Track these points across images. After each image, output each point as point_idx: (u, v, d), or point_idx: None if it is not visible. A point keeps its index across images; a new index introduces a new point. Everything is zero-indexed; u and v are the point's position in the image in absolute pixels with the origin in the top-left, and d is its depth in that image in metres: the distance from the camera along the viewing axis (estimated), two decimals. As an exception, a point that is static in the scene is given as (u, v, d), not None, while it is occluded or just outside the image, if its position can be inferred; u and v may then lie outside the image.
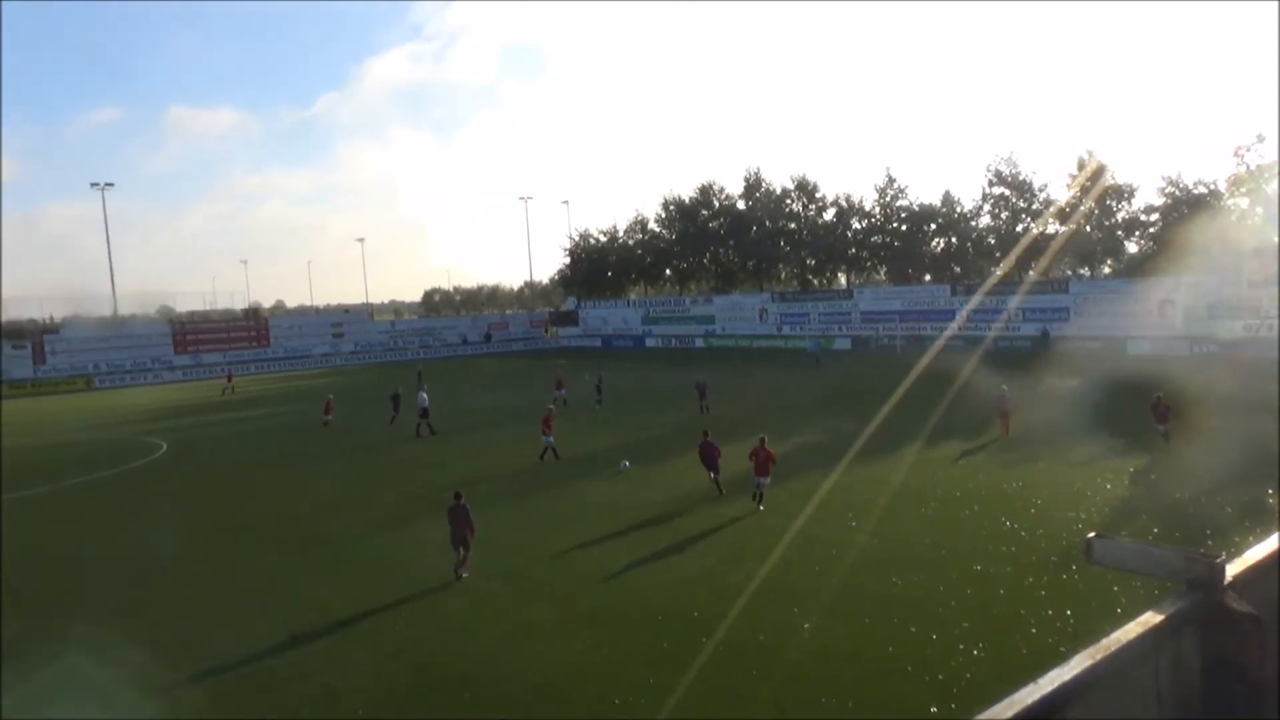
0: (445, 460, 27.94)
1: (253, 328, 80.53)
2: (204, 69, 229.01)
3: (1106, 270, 64.13)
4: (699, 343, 75.73)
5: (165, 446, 33.65)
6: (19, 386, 64.75)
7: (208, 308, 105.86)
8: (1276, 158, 52.05)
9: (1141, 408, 25.46)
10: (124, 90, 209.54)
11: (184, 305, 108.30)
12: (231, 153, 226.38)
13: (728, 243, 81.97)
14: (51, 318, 79.48)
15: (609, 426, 32.20)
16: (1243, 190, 53.65)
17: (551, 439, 26.95)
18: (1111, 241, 60.90)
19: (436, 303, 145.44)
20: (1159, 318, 51.36)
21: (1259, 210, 53.35)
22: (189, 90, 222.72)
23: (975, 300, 60.75)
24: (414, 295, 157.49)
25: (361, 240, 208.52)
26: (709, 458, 21.14)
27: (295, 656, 12.68)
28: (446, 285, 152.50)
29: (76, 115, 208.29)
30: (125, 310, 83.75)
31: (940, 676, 10.81)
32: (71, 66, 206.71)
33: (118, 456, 31.83)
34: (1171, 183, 56.42)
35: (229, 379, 57.86)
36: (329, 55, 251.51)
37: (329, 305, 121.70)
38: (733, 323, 75.83)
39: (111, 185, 77.52)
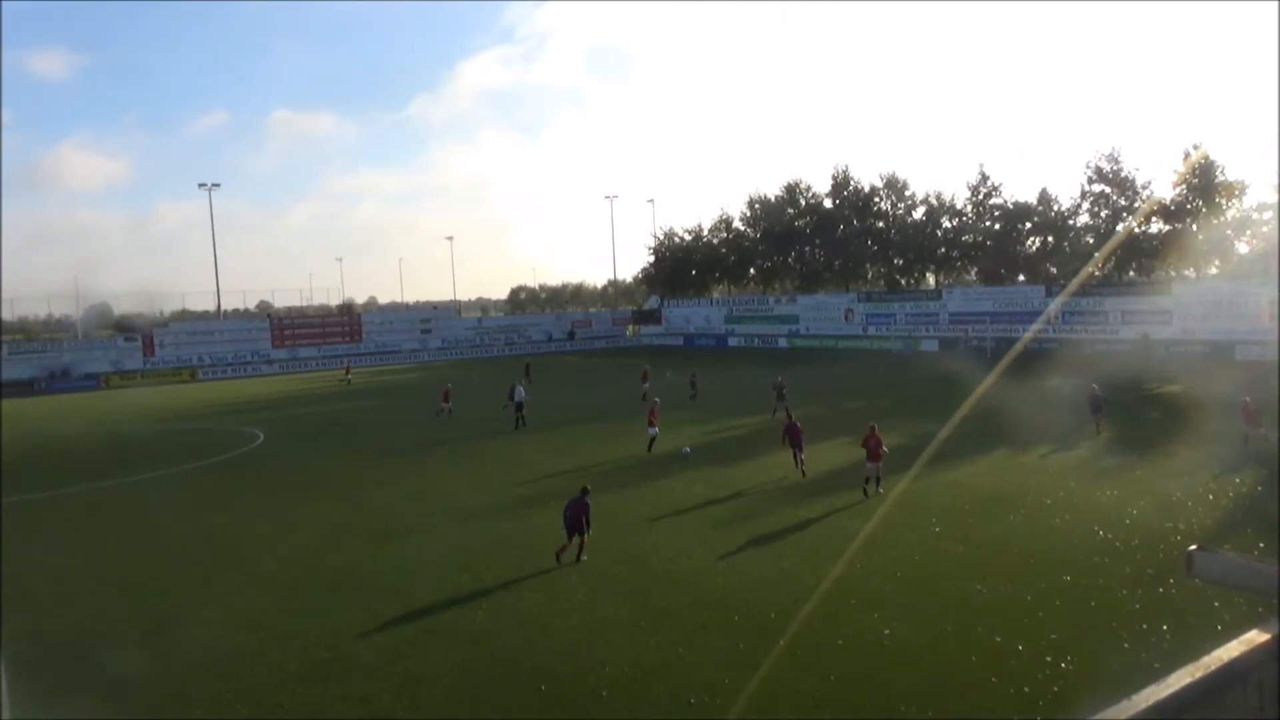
0: (523, 454, 28.30)
1: (346, 323, 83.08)
2: (305, 74, 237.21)
3: (1213, 271, 61.12)
4: (782, 343, 75.04)
5: (262, 437, 34.95)
6: (129, 377, 68.38)
7: (304, 304, 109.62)
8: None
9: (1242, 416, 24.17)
10: (231, 95, 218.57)
11: (281, 301, 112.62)
12: (329, 154, 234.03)
13: (813, 242, 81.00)
14: (162, 312, 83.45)
15: (693, 424, 32.12)
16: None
17: (656, 430, 27.71)
18: (1220, 241, 57.97)
19: (522, 300, 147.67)
20: (1269, 322, 48.72)
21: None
22: (292, 94, 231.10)
23: (1066, 300, 58.66)
24: (500, 293, 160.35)
25: (450, 239, 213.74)
26: (794, 438, 22.80)
27: (379, 643, 13.00)
28: (532, 283, 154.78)
29: (188, 119, 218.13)
30: (228, 306, 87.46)
31: (1026, 689, 10.46)
32: (184, 72, 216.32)
33: (220, 445, 33.19)
34: (1286, 179, 53.46)
35: (346, 370, 62.27)
36: (422, 59, 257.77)
37: (418, 302, 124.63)
38: (817, 323, 74.87)
39: (218, 186, 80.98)
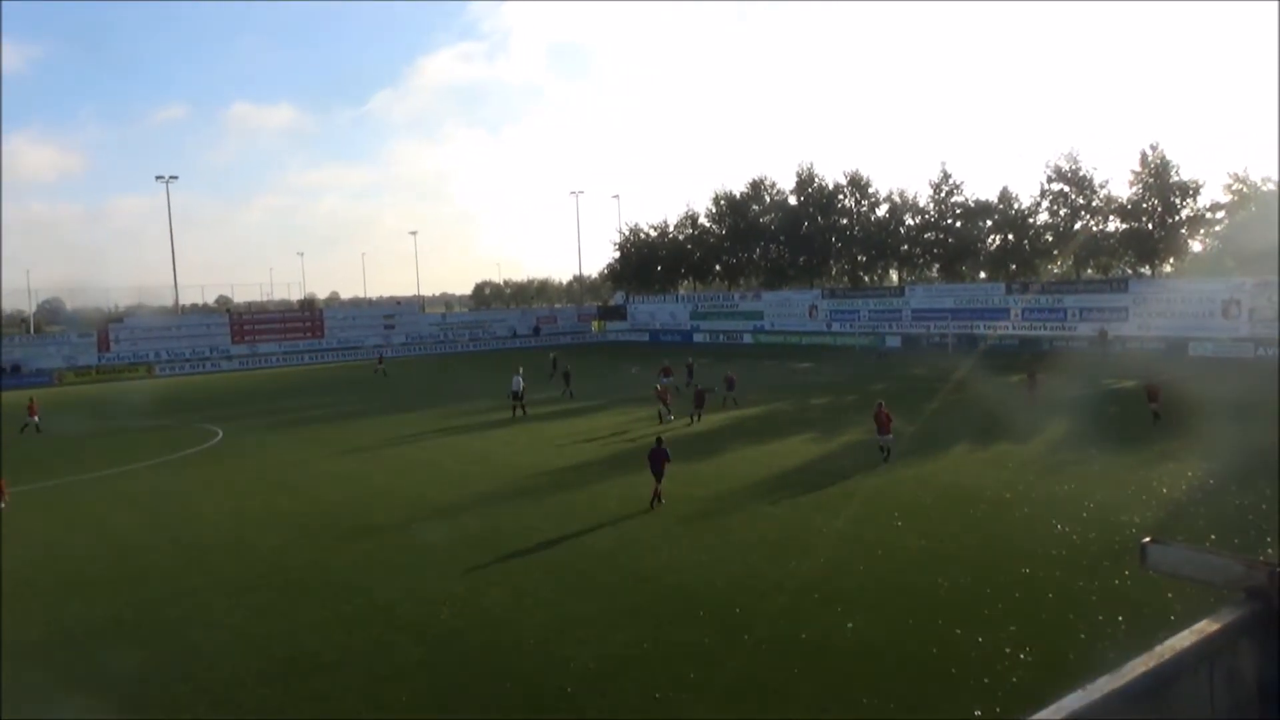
0: (488, 450, 28.18)
1: (307, 319, 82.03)
2: (265, 67, 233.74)
3: (1168, 269, 62.37)
4: (747, 339, 75.36)
5: (221, 433, 34.42)
6: (83, 373, 66.95)
7: (264, 299, 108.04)
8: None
9: (1201, 410, 24.77)
10: (189, 88, 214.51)
11: (241, 296, 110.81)
12: (290, 148, 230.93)
13: (778, 238, 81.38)
14: (116, 306, 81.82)
15: (659, 427, 32.18)
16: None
17: (665, 409, 30.90)
18: (1174, 239, 59.19)
19: (487, 296, 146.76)
20: (1223, 319, 49.86)
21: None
22: (251, 88, 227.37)
23: (1026, 297, 59.63)
24: (465, 288, 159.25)
25: (414, 234, 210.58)
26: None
27: (342, 642, 12.89)
28: (497, 279, 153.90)
29: (145, 112, 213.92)
30: (186, 300, 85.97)
31: (985, 680, 10.62)
32: (138, 66, 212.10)
33: (177, 442, 32.65)
34: (1238, 179, 54.68)
35: (380, 360, 61.68)
36: (383, 54, 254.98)
37: (382, 297, 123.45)
38: (781, 319, 75.29)
39: (176, 179, 79.41)
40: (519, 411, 34.86)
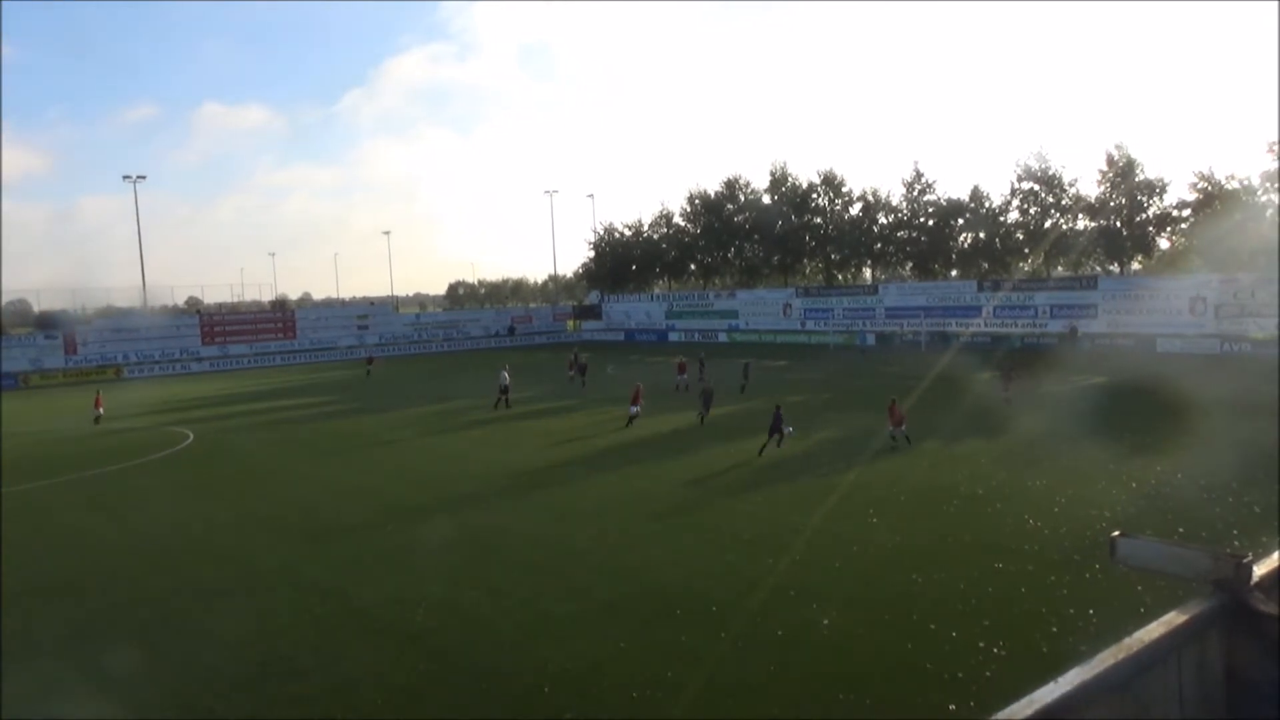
0: (462, 450, 28.07)
1: (279, 319, 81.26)
2: (235, 68, 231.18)
3: (1136, 266, 63.27)
4: (722, 337, 75.57)
5: (191, 436, 34.02)
6: (50, 376, 65.90)
7: (235, 300, 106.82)
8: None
9: (1170, 406, 25.12)
10: (158, 88, 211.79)
11: (212, 297, 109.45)
12: (260, 148, 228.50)
13: (752, 237, 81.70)
14: (84, 308, 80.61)
15: (635, 427, 32.19)
16: (1277, 186, 52.68)
17: (637, 410, 30.55)
18: (1142, 237, 60.06)
19: (461, 296, 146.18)
20: (1190, 316, 50.64)
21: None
22: (221, 87, 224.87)
23: (997, 295, 60.26)
24: (439, 288, 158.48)
25: (387, 234, 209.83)
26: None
27: (315, 645, 12.77)
28: (471, 278, 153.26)
29: (113, 112, 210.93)
30: (155, 302, 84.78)
31: (960, 674, 10.71)
32: (108, 66, 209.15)
33: (147, 445, 32.22)
34: (1204, 178, 55.56)
35: (369, 361, 62.20)
36: (352, 55, 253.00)
37: (355, 298, 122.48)
38: (756, 317, 75.57)
39: (144, 178, 78.27)
40: (504, 405, 36.66)
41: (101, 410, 40.17)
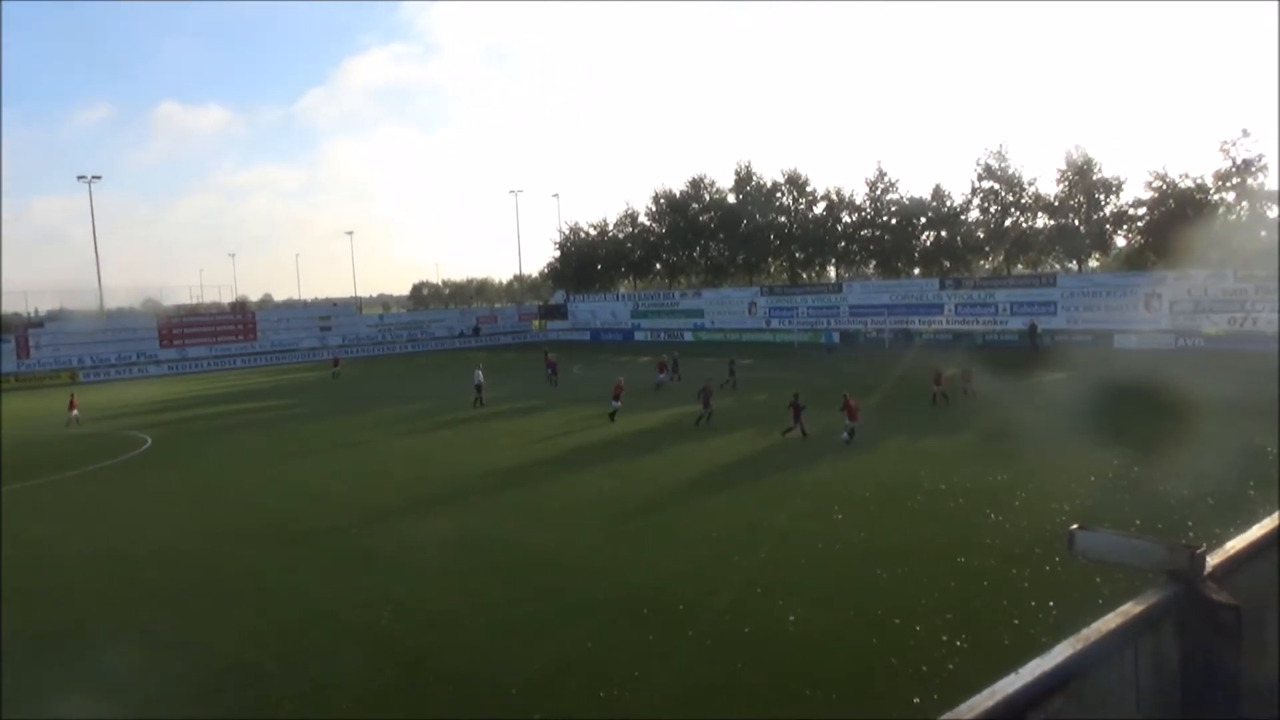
0: (427, 452, 27.88)
1: (239, 321, 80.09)
2: (193, 66, 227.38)
3: (1094, 264, 64.38)
4: (688, 336, 75.71)
5: (149, 440, 33.43)
6: (2, 380, 64.38)
7: (195, 301, 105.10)
8: (1264, 152, 52.35)
9: (1126, 400, 25.57)
10: (115, 87, 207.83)
11: (170, 299, 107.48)
12: (220, 148, 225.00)
13: (718, 236, 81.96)
14: (37, 311, 78.91)
15: (603, 426, 32.17)
16: (1229, 185, 53.91)
17: (619, 404, 31.44)
18: (1099, 235, 61.14)
19: (425, 296, 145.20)
20: (1146, 312, 51.63)
21: (1244, 205, 53.67)
22: (179, 88, 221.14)
23: (959, 293, 61.05)
24: (403, 289, 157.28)
25: (350, 234, 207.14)
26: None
27: (280, 650, 12.62)
28: (435, 279, 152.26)
29: (68, 111, 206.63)
30: (111, 304, 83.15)
31: (924, 668, 10.83)
32: (63, 65, 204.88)
33: (104, 450, 31.60)
34: (1159, 177, 56.68)
35: (335, 363, 61.77)
36: (311, 55, 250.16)
37: (317, 299, 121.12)
38: (721, 316, 75.81)
39: (99, 179, 76.73)
40: (479, 403, 37.89)
41: (76, 413, 39.67)
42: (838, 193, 74.26)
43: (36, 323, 72.99)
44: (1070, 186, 60.58)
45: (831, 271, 78.39)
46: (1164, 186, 56.36)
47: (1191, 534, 14.99)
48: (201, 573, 16.61)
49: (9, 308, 75.72)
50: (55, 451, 32.15)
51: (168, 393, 54.08)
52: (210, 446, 32.07)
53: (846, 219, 74.38)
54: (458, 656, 12.10)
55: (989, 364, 40.35)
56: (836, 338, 64.62)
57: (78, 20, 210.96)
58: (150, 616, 14.41)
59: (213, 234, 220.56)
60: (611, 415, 31.35)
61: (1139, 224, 58.94)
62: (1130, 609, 2.78)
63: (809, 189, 76.42)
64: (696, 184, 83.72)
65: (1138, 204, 58.63)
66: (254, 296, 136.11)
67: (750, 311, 74.00)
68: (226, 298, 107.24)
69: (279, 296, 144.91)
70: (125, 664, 12.44)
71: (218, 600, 15.01)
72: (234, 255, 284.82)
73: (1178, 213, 54.51)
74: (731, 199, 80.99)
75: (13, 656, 12.90)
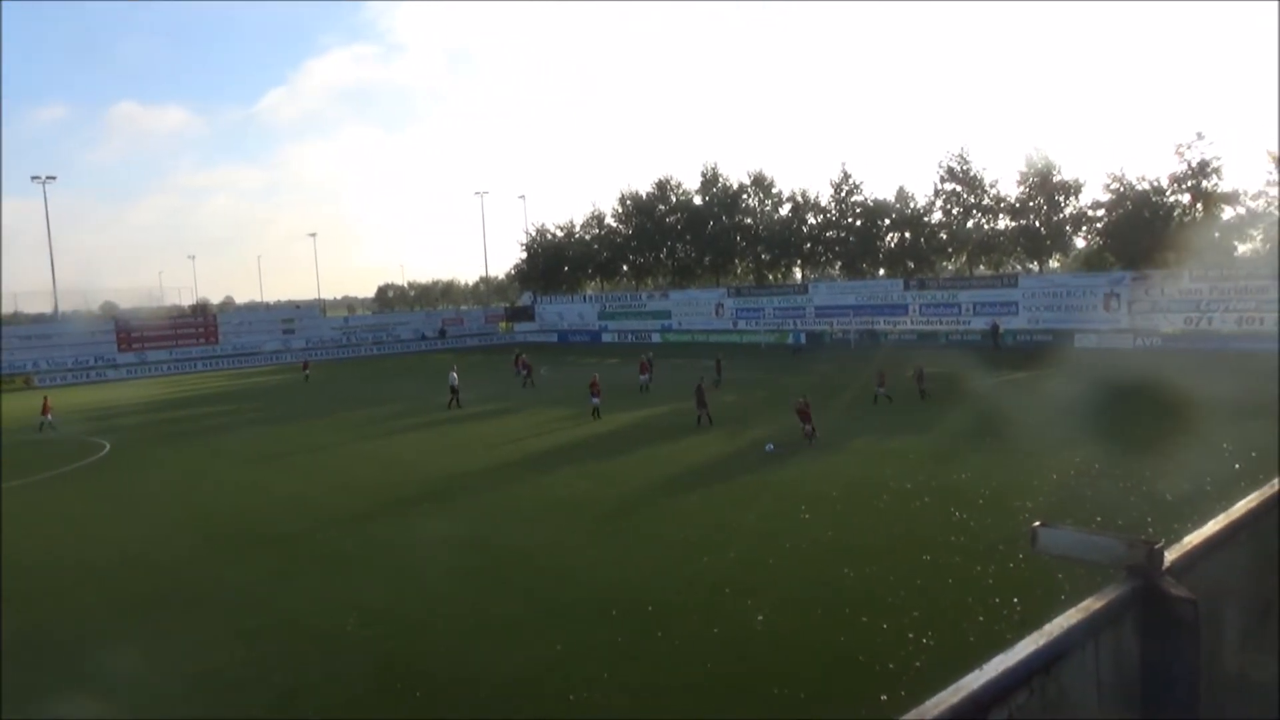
0: (406, 457, 27.66)
1: (200, 324, 78.90)
2: (150, 66, 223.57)
3: (1055, 265, 65.38)
4: (655, 338, 75.81)
5: (108, 446, 32.83)
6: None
7: (153, 304, 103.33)
8: (1216, 155, 53.49)
9: (1087, 398, 25.99)
10: (69, 87, 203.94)
11: (128, 302, 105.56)
12: (179, 149, 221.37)
13: (684, 238, 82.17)
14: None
15: (575, 427, 32.13)
16: (1184, 187, 55.03)
17: (598, 400, 32.15)
18: (1060, 236, 62.11)
19: (390, 298, 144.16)
20: (1105, 311, 52.56)
21: (1199, 206, 54.80)
22: (136, 87, 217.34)
23: (922, 293, 61.76)
24: (367, 291, 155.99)
25: (313, 235, 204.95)
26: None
27: (247, 657, 12.47)
28: (400, 281, 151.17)
29: (20, 111, 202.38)
30: (66, 307, 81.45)
31: (891, 665, 10.95)
32: (18, 63, 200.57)
33: (60, 456, 30.98)
34: (1116, 179, 57.70)
35: (305, 366, 61.63)
36: (272, 55, 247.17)
37: (280, 301, 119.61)
38: (689, 318, 76.03)
39: (54, 179, 75.13)
40: (454, 405, 38.06)
41: (50, 417, 39.02)
42: (803, 194, 74.81)
43: (-11, 326, 71.37)
44: (1031, 188, 61.49)
45: (797, 273, 78.90)
46: (1121, 189, 57.41)
47: (1150, 530, 15.28)
48: (167, 580, 16.35)
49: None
50: (9, 458, 31.44)
51: (127, 397, 53.13)
52: (173, 451, 31.58)
53: (812, 220, 74.87)
54: (429, 660, 12.03)
55: (953, 364, 40.86)
56: (803, 338, 65.07)
57: (33, 18, 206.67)
58: (117, 625, 14.18)
59: (172, 236, 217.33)
60: (594, 412, 31.86)
61: (1098, 225, 59.98)
62: (1091, 604, 2.83)
63: (775, 190, 76.95)
64: (663, 185, 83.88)
65: (1096, 206, 59.67)
66: (215, 299, 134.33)
67: (717, 313, 74.27)
68: (187, 300, 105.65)
69: (241, 299, 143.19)
70: (94, 672, 12.22)
71: (184, 608, 14.79)
72: (194, 257, 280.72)
73: (1135, 214, 55.54)
74: (698, 200, 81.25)
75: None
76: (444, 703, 10.84)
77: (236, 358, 75.69)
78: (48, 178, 74.28)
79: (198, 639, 13.24)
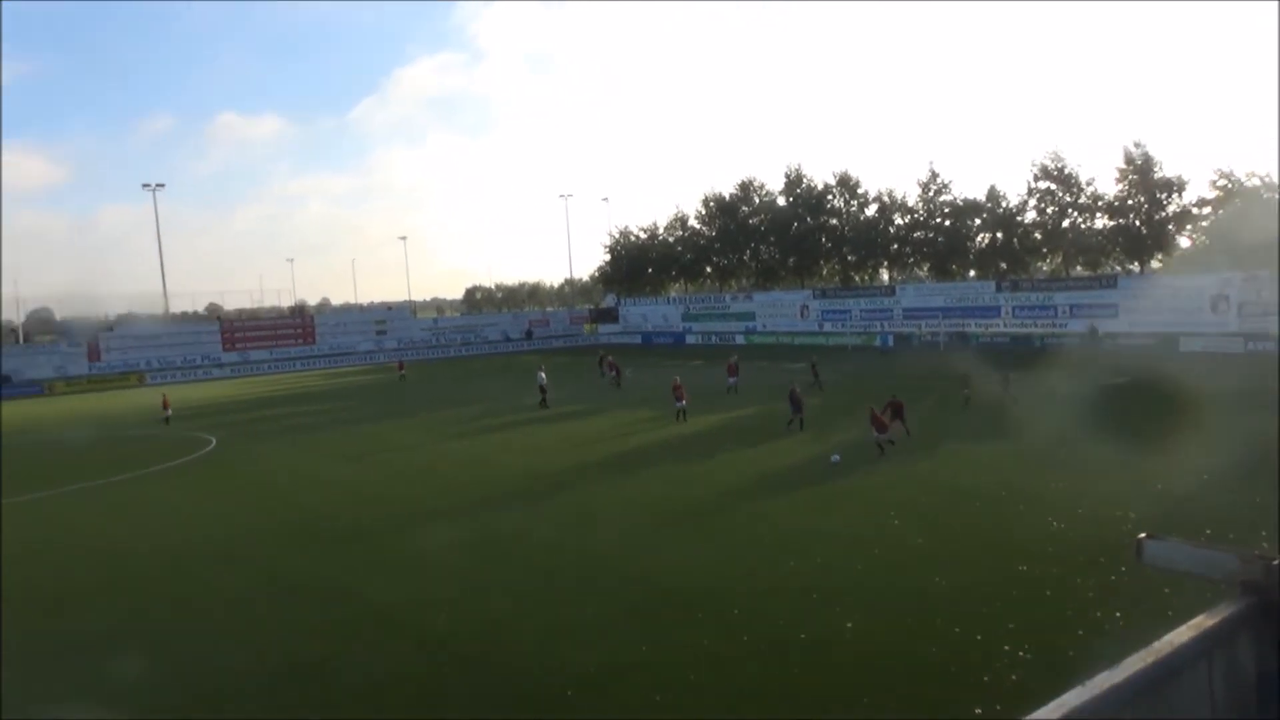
0: (491, 456, 28.18)
1: (299, 325, 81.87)
2: (249, 78, 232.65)
3: (1156, 265, 62.64)
4: (739, 339, 75.40)
5: (214, 441, 34.32)
6: (74, 383, 66.72)
7: (255, 306, 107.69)
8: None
9: (1193, 405, 24.86)
10: (176, 99, 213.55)
11: (232, 303, 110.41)
12: (275, 157, 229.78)
13: (768, 239, 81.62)
14: (106, 315, 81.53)
15: (657, 428, 32.25)
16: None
17: (684, 403, 32.07)
18: (1161, 235, 59.49)
19: (478, 300, 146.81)
20: (1212, 314, 50.13)
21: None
22: (236, 98, 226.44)
23: (1016, 295, 59.94)
24: (456, 293, 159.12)
25: (403, 239, 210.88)
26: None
27: (340, 649, 12.87)
28: (488, 283, 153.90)
29: (132, 123, 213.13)
30: (176, 309, 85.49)
31: (985, 678, 10.66)
32: (128, 77, 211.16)
33: (170, 450, 32.52)
34: (1224, 175, 55.00)
35: (400, 366, 62.87)
36: (362, 65, 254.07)
37: (373, 303, 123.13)
38: (773, 319, 75.43)
39: (163, 186, 79.04)
40: (543, 405, 38.52)
41: (170, 411, 41.69)
42: (890, 194, 73.51)
43: (106, 327, 75.43)
44: (1130, 186, 59.10)
45: (884, 274, 77.54)
46: (1229, 185, 54.66)
47: (1265, 545, 14.52)
48: (263, 571, 17.02)
49: (78, 312, 78.29)
50: (124, 451, 33.16)
51: (230, 394, 55.46)
52: (271, 448, 32.84)
53: (899, 221, 73.55)
54: (511, 656, 12.21)
55: (1048, 368, 39.57)
56: (890, 341, 63.86)
57: (140, 32, 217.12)
58: (213, 613, 14.80)
59: (271, 240, 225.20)
60: (679, 415, 31.87)
61: (1203, 223, 57.24)
62: (1203, 621, 2.73)
63: (860, 190, 75.74)
64: (746, 187, 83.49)
65: (1202, 203, 56.97)
66: (312, 300, 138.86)
67: (802, 315, 73.51)
68: (286, 302, 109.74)
69: (336, 300, 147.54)
70: (185, 659, 12.79)
71: (278, 598, 15.36)
72: (292, 260, 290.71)
73: (1245, 212, 52.81)
74: (781, 201, 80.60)
75: (77, 649, 13.36)
76: (528, 698, 10.99)
77: (332, 357, 78.29)
78: (157, 185, 78.12)
79: (290, 629, 13.73)
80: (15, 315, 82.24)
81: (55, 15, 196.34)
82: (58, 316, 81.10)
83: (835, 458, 23.47)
